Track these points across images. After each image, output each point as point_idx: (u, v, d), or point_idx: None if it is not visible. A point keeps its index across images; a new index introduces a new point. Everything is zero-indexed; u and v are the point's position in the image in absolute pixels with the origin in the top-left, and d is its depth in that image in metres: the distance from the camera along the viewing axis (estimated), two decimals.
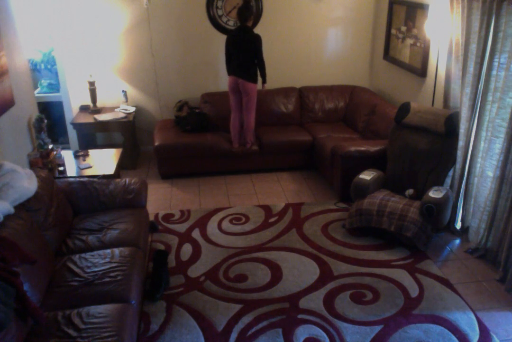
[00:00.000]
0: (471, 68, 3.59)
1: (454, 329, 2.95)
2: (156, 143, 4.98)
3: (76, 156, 4.34)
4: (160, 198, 4.73)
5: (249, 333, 2.92)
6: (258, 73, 4.85)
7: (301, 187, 4.97)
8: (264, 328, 2.96)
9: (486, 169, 3.59)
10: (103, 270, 2.84)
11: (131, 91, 5.60)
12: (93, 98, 5.36)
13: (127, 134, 5.30)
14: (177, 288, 3.35)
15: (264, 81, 4.93)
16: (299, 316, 3.06)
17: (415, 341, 2.86)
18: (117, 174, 4.18)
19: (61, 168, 4.03)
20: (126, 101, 5.55)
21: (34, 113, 4.30)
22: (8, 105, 3.68)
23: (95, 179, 3.72)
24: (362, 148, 4.43)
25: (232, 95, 4.96)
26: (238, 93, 4.92)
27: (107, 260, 2.93)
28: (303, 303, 3.19)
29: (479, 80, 3.55)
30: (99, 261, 2.92)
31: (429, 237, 3.75)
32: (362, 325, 2.99)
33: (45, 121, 4.10)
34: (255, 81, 4.83)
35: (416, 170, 4.08)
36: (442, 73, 4.17)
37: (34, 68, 5.68)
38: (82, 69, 5.35)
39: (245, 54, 4.75)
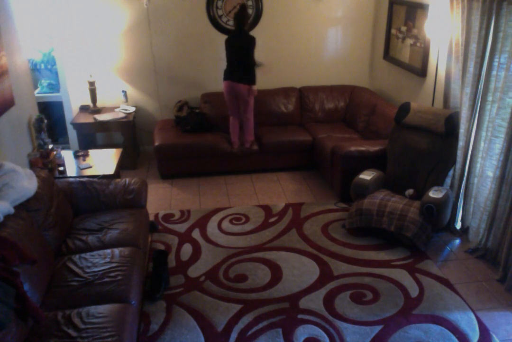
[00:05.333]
0: (471, 68, 3.60)
1: (454, 329, 2.95)
2: (156, 143, 4.98)
3: (76, 156, 4.34)
4: (160, 198, 4.73)
5: (249, 333, 2.92)
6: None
7: (301, 187, 4.97)
8: (264, 328, 2.96)
9: (486, 170, 3.59)
10: (103, 270, 2.84)
11: (131, 91, 5.60)
12: (93, 98, 5.36)
13: (127, 134, 5.30)
14: (177, 288, 3.35)
15: (253, 83, 4.81)
16: (299, 316, 3.06)
17: (415, 341, 2.86)
18: (117, 174, 4.18)
19: (61, 168, 4.03)
20: (126, 101, 5.56)
21: (34, 113, 4.29)
22: (8, 105, 3.68)
23: (95, 179, 3.72)
24: (362, 148, 4.43)
25: (229, 100, 4.96)
26: (235, 97, 4.91)
27: (107, 260, 2.93)
28: (303, 303, 3.19)
29: (479, 80, 3.56)
30: (99, 261, 2.92)
31: (429, 237, 3.75)
32: (362, 325, 2.99)
33: (45, 121, 4.10)
34: (252, 83, 4.81)
35: (416, 170, 4.09)
36: (442, 73, 4.17)
37: (34, 68, 5.67)
38: (82, 69, 5.36)
39: (241, 57, 4.75)
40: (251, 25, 5.38)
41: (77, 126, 5.18)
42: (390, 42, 5.28)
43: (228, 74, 4.84)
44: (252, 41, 4.71)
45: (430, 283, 3.39)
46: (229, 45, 4.80)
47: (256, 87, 4.86)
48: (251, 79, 4.78)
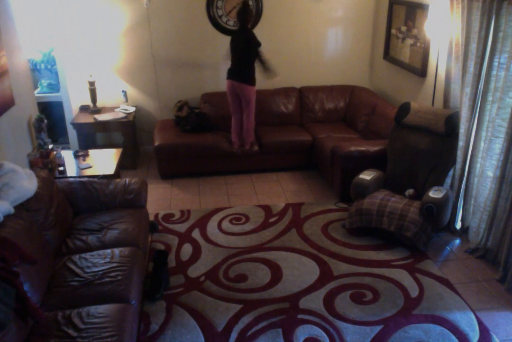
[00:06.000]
0: (471, 68, 3.60)
1: (454, 329, 2.95)
2: (156, 143, 4.98)
3: (76, 156, 4.34)
4: (160, 198, 4.73)
5: (249, 333, 2.92)
6: (257, 74, 4.85)
7: (301, 187, 4.97)
8: (264, 328, 2.96)
9: (486, 170, 3.59)
10: (103, 270, 2.84)
11: (131, 91, 5.60)
12: (93, 98, 5.36)
13: (127, 134, 5.30)
14: (177, 288, 3.35)
15: (253, 84, 4.83)
16: (299, 316, 3.06)
17: (415, 341, 2.86)
18: (117, 174, 4.18)
19: (61, 168, 4.03)
20: (126, 101, 5.55)
21: (34, 113, 4.29)
22: (8, 105, 3.68)
23: (95, 179, 3.72)
24: (362, 148, 4.43)
25: (231, 99, 4.96)
26: (237, 97, 4.92)
27: (107, 260, 2.93)
28: (303, 303, 3.19)
29: (479, 80, 3.56)
30: (99, 261, 2.92)
31: (429, 237, 3.75)
32: (362, 325, 2.99)
33: (45, 121, 4.10)
34: (252, 83, 4.82)
35: (416, 170, 4.08)
36: (442, 73, 4.17)
37: (34, 68, 5.67)
38: (82, 69, 5.36)
39: (242, 56, 4.76)
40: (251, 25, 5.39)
41: (77, 126, 5.18)
42: (390, 42, 5.28)
43: (230, 73, 4.85)
44: (252, 39, 4.71)
45: (430, 283, 3.39)
46: (231, 43, 4.83)
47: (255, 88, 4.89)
48: (251, 80, 4.79)
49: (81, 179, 3.68)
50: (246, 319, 3.04)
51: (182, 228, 4.14)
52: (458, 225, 4.07)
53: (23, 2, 5.17)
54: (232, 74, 4.83)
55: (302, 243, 3.90)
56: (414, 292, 3.30)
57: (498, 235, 3.51)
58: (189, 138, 5.09)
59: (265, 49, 5.31)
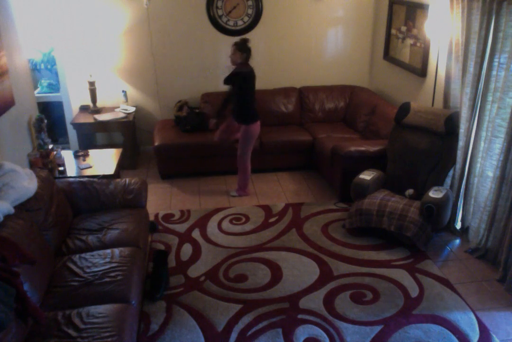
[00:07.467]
0: (471, 68, 3.60)
1: (454, 329, 2.95)
2: (156, 143, 4.98)
3: (76, 156, 4.34)
4: (160, 198, 4.73)
5: (249, 333, 2.92)
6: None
7: (301, 187, 4.97)
8: (264, 328, 2.96)
9: (486, 169, 3.59)
10: (103, 270, 2.84)
11: (131, 91, 5.60)
12: (93, 98, 5.36)
13: (127, 134, 5.30)
14: (177, 288, 3.35)
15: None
16: (299, 316, 3.06)
17: (415, 341, 2.86)
18: (117, 174, 4.18)
19: (61, 168, 4.03)
20: (126, 101, 5.56)
21: (34, 113, 4.29)
22: (8, 105, 3.68)
23: (95, 179, 3.72)
24: (362, 148, 4.43)
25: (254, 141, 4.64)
26: None
27: (107, 260, 2.93)
28: (303, 303, 3.19)
29: (479, 80, 3.56)
30: (99, 261, 2.92)
31: (429, 237, 3.75)
32: (362, 325, 2.99)
33: (45, 121, 4.10)
34: None
35: (416, 170, 4.08)
36: (442, 73, 4.17)
37: (34, 68, 5.67)
38: (82, 69, 5.35)
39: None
40: (250, 25, 5.42)
41: (77, 126, 5.18)
42: (390, 42, 5.28)
43: (257, 114, 4.51)
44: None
45: (430, 283, 3.40)
46: (251, 81, 4.39)
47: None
48: None
49: (81, 179, 3.68)
50: (246, 319, 3.04)
51: (182, 228, 4.14)
52: (458, 225, 4.07)
53: (23, 2, 5.17)
54: (258, 114, 4.51)
55: (302, 243, 3.90)
56: (414, 292, 3.30)
57: (498, 235, 3.51)
58: (189, 138, 5.08)
59: (265, 50, 5.34)
